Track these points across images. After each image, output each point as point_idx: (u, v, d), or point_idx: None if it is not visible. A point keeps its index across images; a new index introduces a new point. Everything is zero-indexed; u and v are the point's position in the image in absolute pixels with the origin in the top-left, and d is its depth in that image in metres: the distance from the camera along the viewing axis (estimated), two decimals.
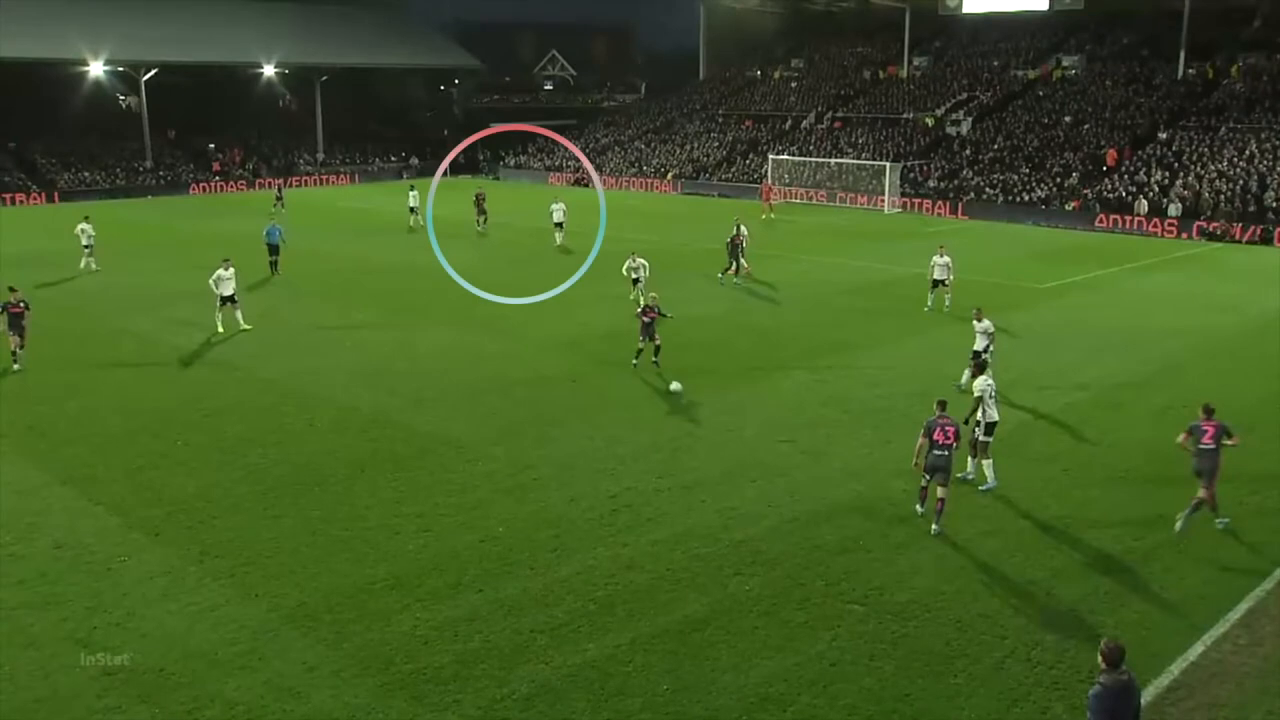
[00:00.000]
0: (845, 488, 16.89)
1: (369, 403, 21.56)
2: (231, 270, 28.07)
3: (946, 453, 15.00)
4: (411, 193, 51.76)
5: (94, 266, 37.87)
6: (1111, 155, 58.99)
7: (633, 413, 20.95)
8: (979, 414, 16.68)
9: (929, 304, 30.21)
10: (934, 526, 15.12)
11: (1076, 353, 25.89)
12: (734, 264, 35.52)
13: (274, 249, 36.75)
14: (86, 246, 37.85)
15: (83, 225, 38.07)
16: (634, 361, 24.22)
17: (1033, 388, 22.57)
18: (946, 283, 29.86)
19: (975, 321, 22.44)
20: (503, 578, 13.77)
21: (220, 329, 27.65)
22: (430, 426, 20.02)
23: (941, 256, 30.09)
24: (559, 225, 45.03)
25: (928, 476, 15.23)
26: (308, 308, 31.28)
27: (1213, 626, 12.59)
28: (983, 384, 16.86)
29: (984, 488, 16.70)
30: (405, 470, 17.64)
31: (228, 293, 27.73)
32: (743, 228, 36.42)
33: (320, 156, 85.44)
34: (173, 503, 16.27)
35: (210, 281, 27.87)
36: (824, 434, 19.59)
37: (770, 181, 63.51)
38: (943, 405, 15.45)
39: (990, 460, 16.83)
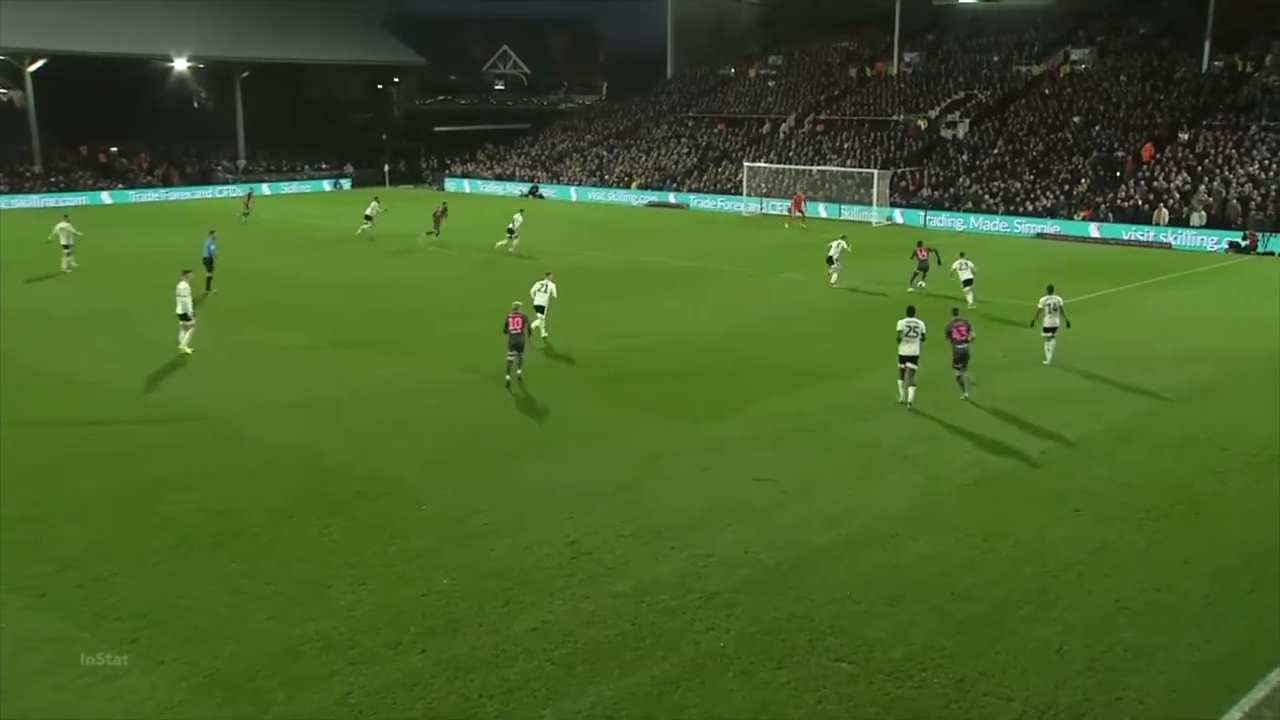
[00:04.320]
0: (831, 532, 16.91)
1: (299, 439, 21.42)
2: (182, 285, 28.52)
3: (966, 344, 23.43)
4: (374, 203, 54.29)
5: (73, 266, 40.96)
6: (1148, 150, 59.44)
7: (595, 448, 20.93)
8: (901, 347, 22.99)
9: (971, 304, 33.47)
10: (964, 395, 23.53)
11: (1088, 379, 26.11)
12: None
13: (208, 263, 37.07)
14: (66, 246, 41.00)
15: (62, 224, 41.30)
16: (507, 378, 25.23)
17: (1038, 418, 22.74)
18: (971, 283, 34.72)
19: (1047, 295, 27.01)
20: (448, 636, 13.67)
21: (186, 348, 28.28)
22: (368, 466, 19.90)
23: (961, 258, 35.24)
24: (510, 232, 47.58)
25: (959, 366, 23.41)
26: (235, 331, 31.06)
27: (1250, 690, 12.53)
28: (902, 324, 22.94)
29: (900, 399, 23.08)
30: (339, 516, 17.50)
31: (181, 311, 28.19)
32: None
33: (241, 163, 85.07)
34: (63, 558, 15.94)
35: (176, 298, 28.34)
36: (807, 472, 19.64)
37: (798, 191, 63.70)
38: (955, 311, 24.16)
39: (914, 387, 23.19)
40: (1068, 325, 27.19)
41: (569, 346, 29.06)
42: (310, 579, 15.27)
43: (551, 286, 30.02)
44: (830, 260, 38.92)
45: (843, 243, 39.40)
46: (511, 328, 25.04)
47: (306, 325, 32.56)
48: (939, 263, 37.98)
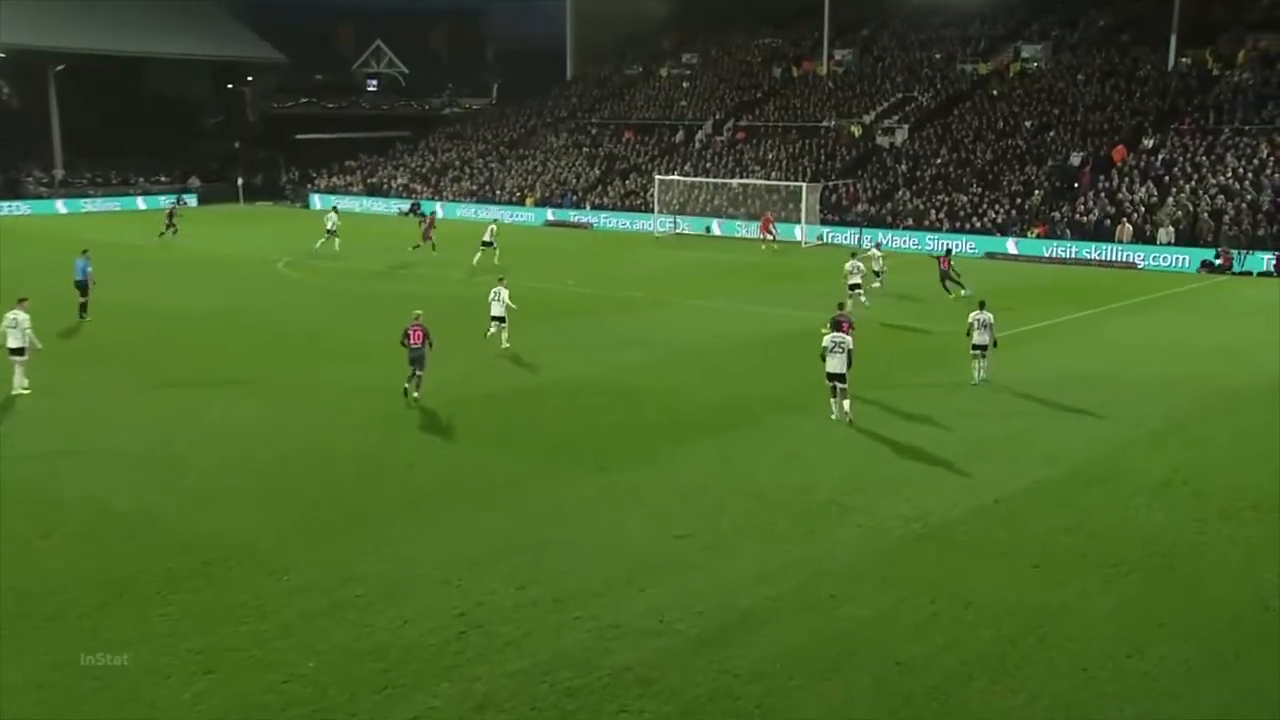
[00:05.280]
0: (758, 593, 16.94)
1: (134, 500, 20.95)
2: (19, 315, 28.26)
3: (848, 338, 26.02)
4: (332, 214, 58.51)
5: None
6: (1119, 152, 60.63)
7: (487, 503, 20.81)
8: (827, 364, 25.24)
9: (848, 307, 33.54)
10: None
11: (1046, 416, 26.61)
12: None
13: (82, 287, 37.70)
14: None
15: None
16: (405, 387, 27.26)
17: (991, 462, 23.08)
18: (862, 284, 39.43)
19: (978, 311, 28.86)
20: None
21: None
22: (218, 530, 19.53)
23: (855, 261, 40.35)
24: (487, 244, 51.63)
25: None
26: (68, 369, 30.54)
27: None
28: (827, 340, 25.24)
29: (832, 416, 25.47)
30: (182, 591, 17.12)
31: (15, 344, 27.98)
32: None
33: (59, 174, 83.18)
34: None
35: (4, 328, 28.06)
36: (730, 526, 19.68)
37: (770, 214, 64.26)
38: (840, 306, 28.17)
39: (848, 400, 25.35)
40: (994, 345, 29.08)
41: (458, 388, 28.88)
42: (145, 668, 14.85)
43: (505, 293, 32.98)
44: (856, 288, 40.72)
45: (859, 263, 41.67)
46: (411, 341, 27.05)
47: (153, 360, 32.21)
48: (957, 275, 42.73)
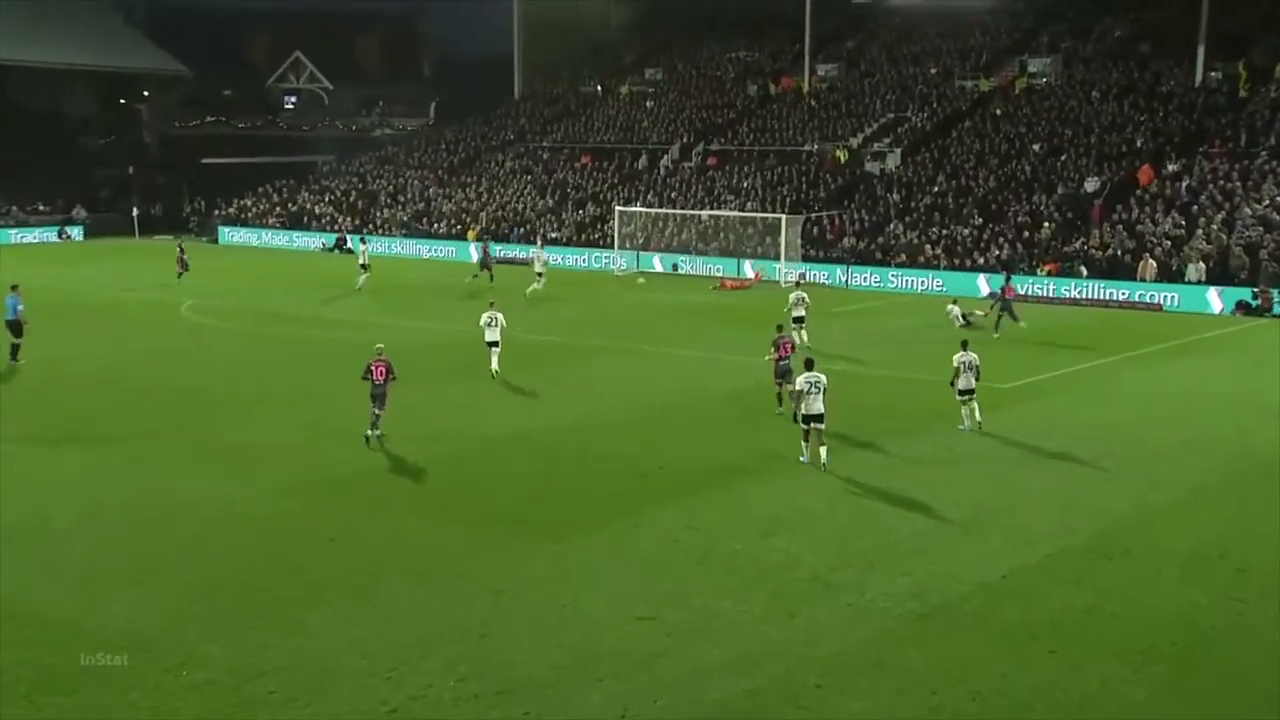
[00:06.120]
0: (733, 684, 16.84)
1: (2, 585, 20.62)
2: None
3: (787, 361, 30.65)
4: (361, 245, 62.58)
5: None
6: (1146, 173, 60.87)
7: (422, 581, 20.67)
8: (801, 406, 26.94)
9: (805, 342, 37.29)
10: (778, 409, 31.21)
11: (1059, 478, 26.67)
12: None
13: (14, 327, 38.37)
14: None
15: None
16: (369, 432, 28.84)
17: (998, 530, 23.09)
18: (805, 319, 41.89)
19: (962, 353, 30.27)
20: None
21: None
22: (104, 620, 19.25)
23: (798, 291, 43.18)
24: (540, 275, 56.88)
25: (780, 382, 30.62)
26: None
27: None
28: (802, 381, 26.63)
29: (803, 459, 27.06)
30: (61, 692, 16.78)
31: None
32: None
33: None
34: None
35: None
36: (701, 605, 19.59)
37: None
38: (780, 328, 33.25)
39: (825, 446, 26.67)
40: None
41: (389, 447, 28.77)
42: None
43: (500, 318, 36.84)
44: (800, 320, 42.20)
45: (805, 295, 43.28)
46: (374, 377, 28.74)
47: (29, 420, 31.80)
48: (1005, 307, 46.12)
